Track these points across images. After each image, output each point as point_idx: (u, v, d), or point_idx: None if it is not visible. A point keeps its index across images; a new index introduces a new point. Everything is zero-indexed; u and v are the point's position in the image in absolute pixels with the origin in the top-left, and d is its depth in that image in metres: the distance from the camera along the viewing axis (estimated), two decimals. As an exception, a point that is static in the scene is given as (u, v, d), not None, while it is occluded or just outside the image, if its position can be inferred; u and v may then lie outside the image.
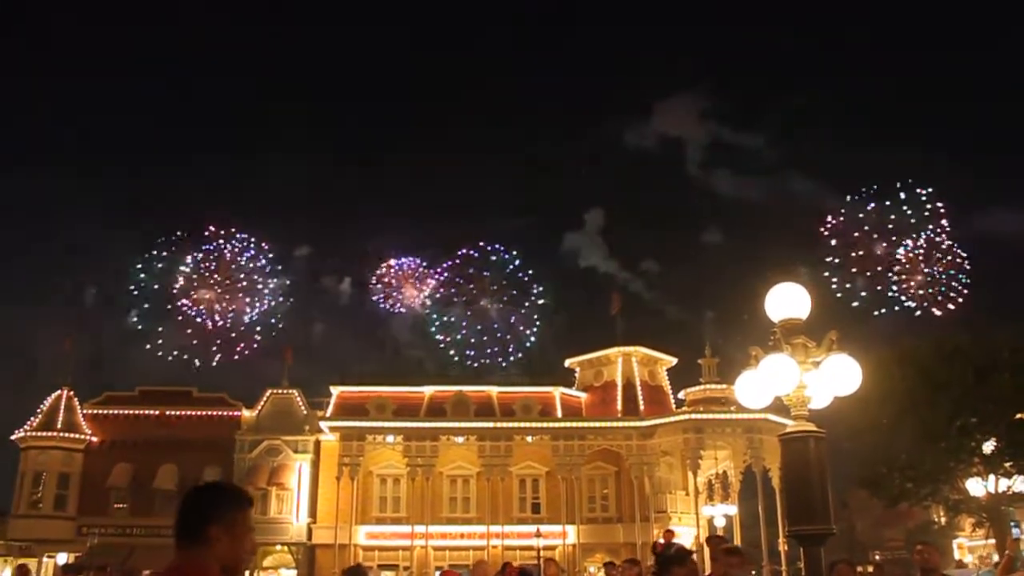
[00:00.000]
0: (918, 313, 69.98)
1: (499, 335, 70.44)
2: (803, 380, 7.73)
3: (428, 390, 53.18)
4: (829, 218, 75.33)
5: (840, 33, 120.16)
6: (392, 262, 72.27)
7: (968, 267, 73.67)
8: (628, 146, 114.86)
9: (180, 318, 67.86)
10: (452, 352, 67.55)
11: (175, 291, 68.09)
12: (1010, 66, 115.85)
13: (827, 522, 7.45)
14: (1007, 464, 36.34)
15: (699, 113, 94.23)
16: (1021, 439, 36.41)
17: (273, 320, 69.35)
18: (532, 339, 69.00)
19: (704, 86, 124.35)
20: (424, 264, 72.28)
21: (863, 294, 70.55)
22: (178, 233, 70.33)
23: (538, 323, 69.85)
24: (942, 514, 48.25)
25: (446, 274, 71.91)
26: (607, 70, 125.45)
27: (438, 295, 70.96)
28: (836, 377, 7.71)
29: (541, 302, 69.29)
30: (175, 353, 65.06)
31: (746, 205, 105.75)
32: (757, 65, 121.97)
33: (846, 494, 60.37)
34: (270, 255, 71.56)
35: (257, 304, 69.63)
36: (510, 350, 68.54)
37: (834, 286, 67.77)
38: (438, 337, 69.08)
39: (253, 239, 72.07)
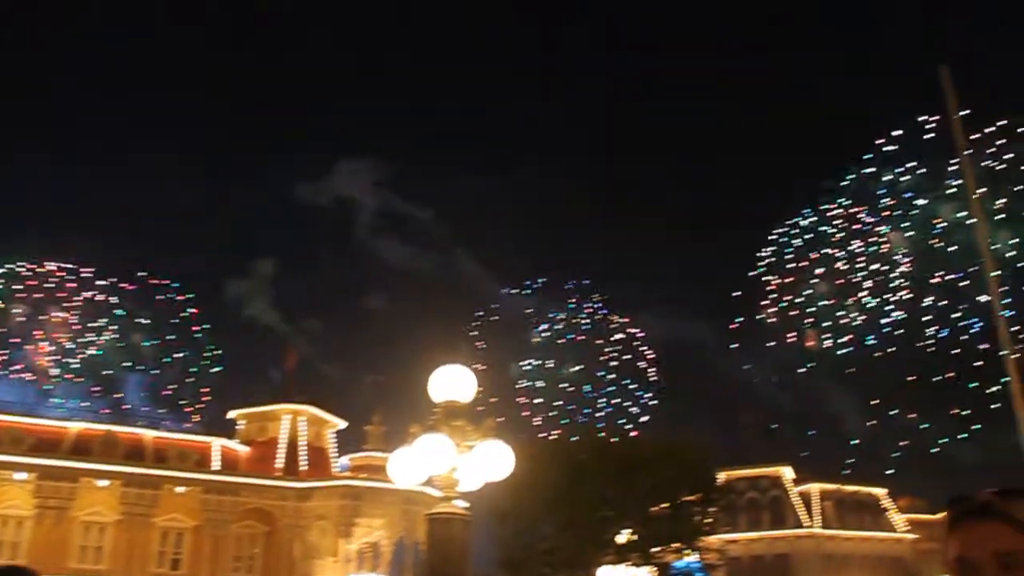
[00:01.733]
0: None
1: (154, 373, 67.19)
2: (457, 462, 7.86)
3: (74, 426, 49.10)
4: (480, 312, 79.14)
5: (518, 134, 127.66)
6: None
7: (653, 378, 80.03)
8: (303, 200, 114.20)
9: None
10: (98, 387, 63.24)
11: None
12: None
13: (462, 604, 7.56)
14: (635, 555, 39.00)
15: (374, 180, 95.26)
16: (651, 532, 39.35)
17: None
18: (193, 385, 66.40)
19: (381, 154, 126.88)
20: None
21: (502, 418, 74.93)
22: None
23: (195, 370, 67.36)
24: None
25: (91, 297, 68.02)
26: (289, 123, 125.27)
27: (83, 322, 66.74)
28: (489, 462, 7.90)
29: (213, 362, 66.74)
30: None
31: (412, 276, 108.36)
32: (436, 144, 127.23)
33: (492, 571, 62.10)
34: None
35: None
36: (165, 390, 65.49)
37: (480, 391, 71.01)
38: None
39: None
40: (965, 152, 18.02)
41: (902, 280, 74.92)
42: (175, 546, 48.52)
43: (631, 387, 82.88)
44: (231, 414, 54.97)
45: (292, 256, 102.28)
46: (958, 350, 70.67)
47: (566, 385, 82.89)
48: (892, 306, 75.37)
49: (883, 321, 75.60)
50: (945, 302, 71.97)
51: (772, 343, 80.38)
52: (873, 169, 76.62)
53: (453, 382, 8.04)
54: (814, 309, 78.31)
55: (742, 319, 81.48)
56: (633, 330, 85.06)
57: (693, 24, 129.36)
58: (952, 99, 16.01)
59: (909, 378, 72.78)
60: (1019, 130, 70.18)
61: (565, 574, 40.06)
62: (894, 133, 75.09)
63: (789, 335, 79.08)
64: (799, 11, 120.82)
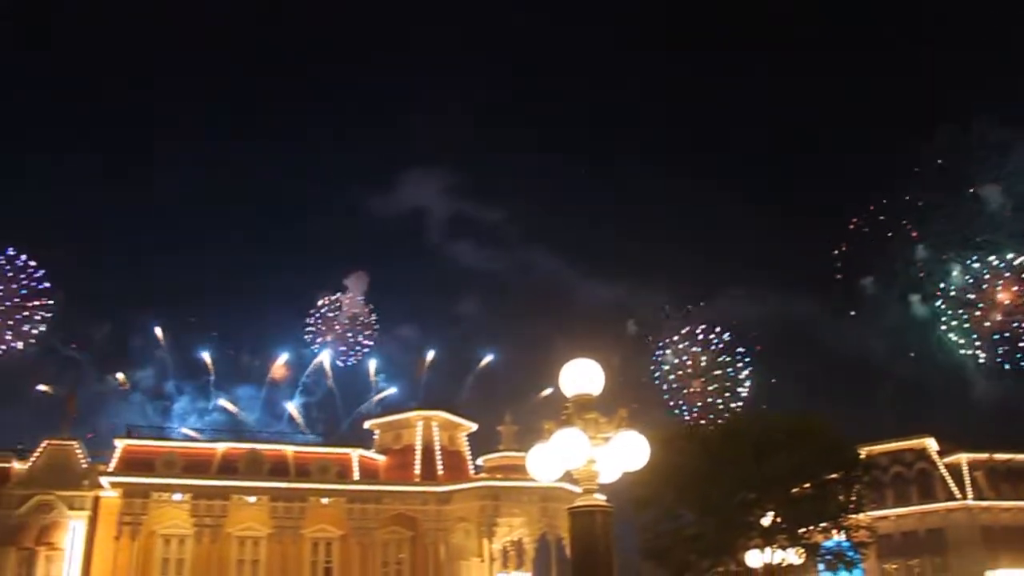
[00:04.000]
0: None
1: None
2: (593, 455, 7.91)
3: (221, 447, 51.08)
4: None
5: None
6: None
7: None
8: (374, 214, 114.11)
9: None
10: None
11: None
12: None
13: (611, 596, 7.60)
14: (782, 537, 38.26)
15: (442, 187, 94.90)
16: (796, 514, 38.53)
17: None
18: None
19: (447, 161, 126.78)
20: None
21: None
22: None
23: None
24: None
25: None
26: (352, 140, 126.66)
27: None
28: (625, 453, 7.93)
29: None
30: None
31: (491, 276, 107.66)
32: (500, 143, 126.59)
33: (639, 563, 61.86)
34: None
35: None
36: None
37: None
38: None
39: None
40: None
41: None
42: (325, 555, 50.03)
43: (741, 371, 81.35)
44: (367, 424, 56.37)
45: (373, 268, 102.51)
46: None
47: (670, 376, 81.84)
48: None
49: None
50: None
51: (879, 312, 78.02)
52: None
53: (582, 376, 8.10)
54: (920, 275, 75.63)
55: (846, 291, 79.42)
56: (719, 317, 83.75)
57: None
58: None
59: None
60: None
61: (711, 560, 39.65)
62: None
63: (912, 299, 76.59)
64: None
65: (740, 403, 78.68)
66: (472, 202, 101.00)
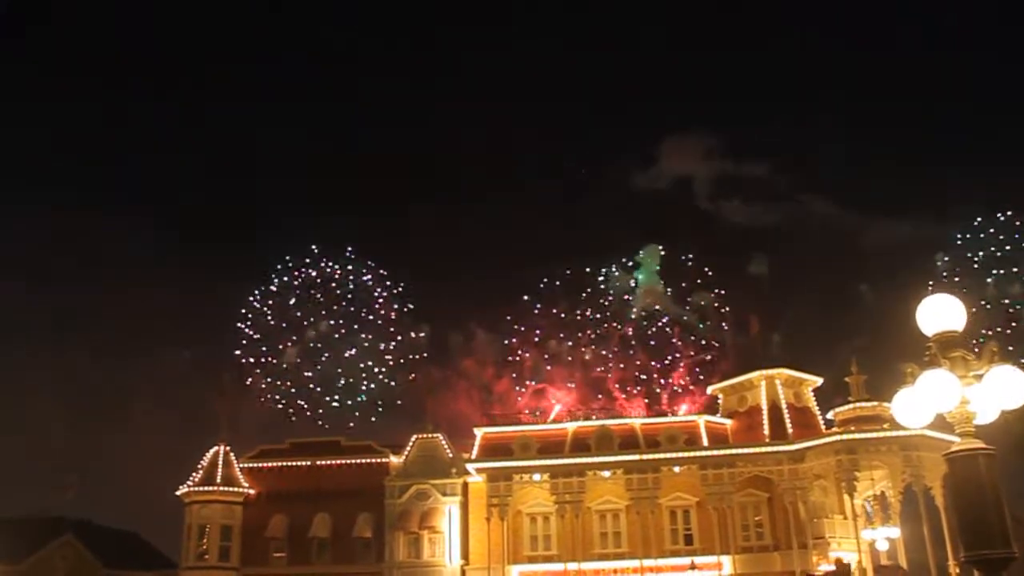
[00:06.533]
0: None
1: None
2: (965, 395, 7.39)
3: (571, 426, 53.06)
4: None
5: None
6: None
7: None
8: (636, 189, 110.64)
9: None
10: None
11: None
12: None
13: (1007, 546, 7.04)
14: None
15: (702, 151, 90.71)
16: None
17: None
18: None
19: (699, 123, 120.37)
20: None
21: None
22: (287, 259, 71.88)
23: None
24: None
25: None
26: (599, 116, 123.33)
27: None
28: (1002, 390, 7.34)
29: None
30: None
31: (769, 231, 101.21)
32: (749, 94, 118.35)
33: (1019, 511, 57.14)
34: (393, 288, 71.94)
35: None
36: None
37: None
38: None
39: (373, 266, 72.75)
40: None
41: None
42: (684, 523, 50.51)
43: None
44: (709, 390, 56.18)
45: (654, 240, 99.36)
46: None
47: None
48: None
49: None
50: None
51: None
52: None
53: (943, 311, 7.57)
54: None
55: None
56: None
57: None
58: None
59: None
60: None
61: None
62: None
63: None
64: None
65: None
66: (732, 160, 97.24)
